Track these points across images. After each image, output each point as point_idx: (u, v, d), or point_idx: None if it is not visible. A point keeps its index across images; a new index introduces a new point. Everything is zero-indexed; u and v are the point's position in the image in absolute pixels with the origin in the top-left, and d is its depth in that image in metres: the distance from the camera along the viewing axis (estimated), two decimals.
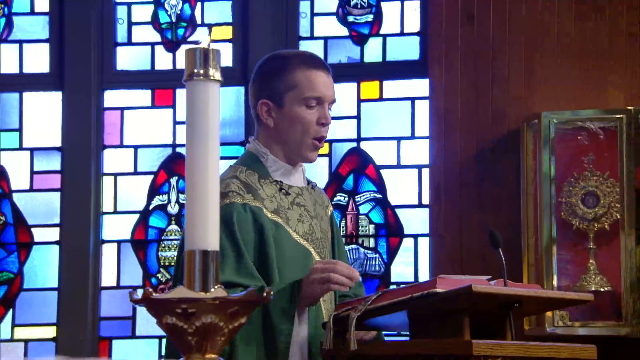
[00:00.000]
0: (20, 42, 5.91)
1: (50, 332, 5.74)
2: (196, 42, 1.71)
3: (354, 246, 5.52)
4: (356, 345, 2.73)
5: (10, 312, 5.77)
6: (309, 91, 3.21)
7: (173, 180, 5.81)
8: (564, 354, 2.87)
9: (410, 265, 5.55)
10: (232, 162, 3.48)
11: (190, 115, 1.80)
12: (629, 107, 5.00)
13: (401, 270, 5.56)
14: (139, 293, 1.80)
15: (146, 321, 5.73)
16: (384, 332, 3.28)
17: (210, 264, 1.77)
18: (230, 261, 3.09)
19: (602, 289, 4.94)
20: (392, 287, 5.31)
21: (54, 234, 5.79)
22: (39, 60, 5.91)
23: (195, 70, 1.79)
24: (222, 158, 5.70)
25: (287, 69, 3.24)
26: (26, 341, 5.76)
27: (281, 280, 3.13)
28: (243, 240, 3.12)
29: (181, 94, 5.83)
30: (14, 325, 5.76)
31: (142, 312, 5.72)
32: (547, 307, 3.13)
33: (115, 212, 5.82)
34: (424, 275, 5.42)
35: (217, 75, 1.81)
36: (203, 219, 1.78)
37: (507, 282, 2.85)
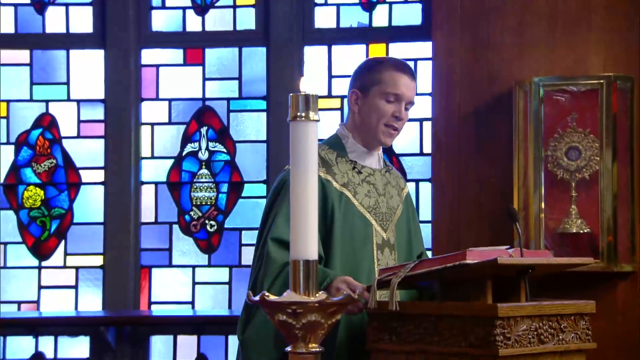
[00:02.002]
0: (67, 5, 5.92)
1: (98, 260, 5.83)
2: (299, 87, 1.83)
3: None
4: (397, 306, 2.86)
5: (62, 243, 5.86)
6: (390, 88, 3.27)
7: (203, 130, 5.84)
8: (569, 310, 3.01)
9: None
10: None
11: (294, 148, 1.95)
12: (609, 73, 4.97)
13: None
14: (256, 296, 1.93)
15: (180, 253, 5.84)
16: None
17: (312, 271, 1.93)
18: None
19: (582, 231, 4.96)
20: None
21: (99, 175, 5.85)
22: (83, 21, 5.91)
23: (299, 113, 1.95)
24: (250, 111, 5.89)
25: (378, 68, 3.32)
26: (77, 268, 5.85)
27: (340, 246, 3.19)
28: None
29: (209, 53, 5.86)
30: (66, 254, 5.86)
31: (177, 245, 5.84)
32: (555, 269, 3.25)
33: (152, 157, 5.87)
34: (426, 216, 5.46)
35: (315, 117, 1.96)
36: (304, 234, 1.94)
37: (523, 252, 2.96)
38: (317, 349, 1.92)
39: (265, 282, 3.11)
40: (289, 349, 1.93)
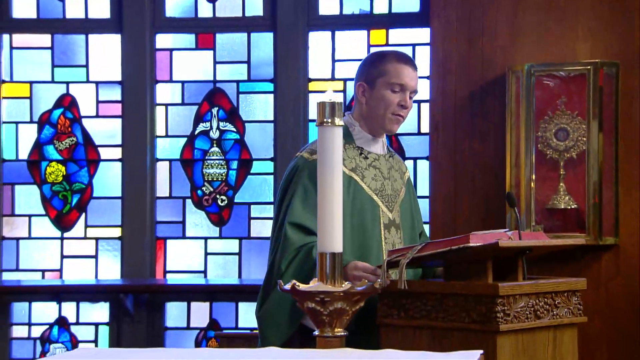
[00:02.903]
0: None
1: (116, 232, 5.85)
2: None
3: None
4: (405, 285, 2.94)
5: (83, 216, 5.89)
6: (394, 78, 3.33)
7: (214, 110, 5.85)
8: (563, 287, 3.09)
9: None
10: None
11: (321, 149, 2.04)
12: (595, 60, 4.99)
13: None
14: (287, 285, 2.01)
15: (193, 225, 5.86)
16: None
17: (337, 263, 2.01)
18: (311, 206, 3.15)
19: (569, 207, 4.99)
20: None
21: (117, 153, 5.86)
22: (101, 7, 5.90)
23: (325, 119, 2.02)
24: (258, 93, 5.88)
25: (382, 61, 3.37)
26: (96, 239, 5.88)
27: (349, 227, 3.21)
28: None
29: (220, 38, 5.87)
30: (86, 226, 5.89)
31: (190, 218, 5.86)
32: (550, 250, 3.33)
33: (166, 135, 5.88)
34: (423, 191, 5.48)
35: (340, 122, 2.03)
36: (331, 228, 2.02)
37: (521, 234, 3.04)
38: (342, 333, 1.99)
39: (282, 263, 3.16)
40: (316, 333, 2.01)
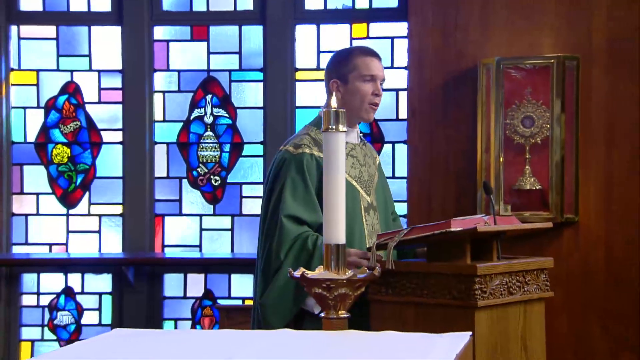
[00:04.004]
0: None
1: (118, 209, 5.87)
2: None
3: None
4: (393, 265, 3.03)
5: (87, 194, 5.90)
6: (365, 71, 3.40)
7: (208, 97, 5.85)
8: (532, 266, 3.19)
9: (389, 165, 5.64)
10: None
11: (327, 152, 2.12)
12: (558, 54, 5.07)
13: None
14: (297, 272, 2.10)
15: (189, 203, 5.88)
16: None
17: (340, 252, 2.11)
18: (300, 197, 3.27)
19: (534, 188, 5.07)
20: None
21: (118, 136, 5.86)
22: (102, 0, 5.88)
23: (330, 126, 2.11)
24: (249, 81, 5.90)
25: (350, 57, 3.43)
26: (99, 215, 5.90)
27: None
28: (310, 180, 3.30)
29: (214, 30, 5.87)
30: (90, 203, 5.91)
31: (186, 196, 5.87)
32: (521, 232, 3.43)
33: (164, 120, 5.88)
34: (401, 172, 5.56)
35: (343, 128, 2.12)
36: (335, 222, 2.11)
37: (496, 219, 3.14)
38: (345, 315, 2.10)
39: (281, 252, 3.21)
40: (322, 314, 2.11)
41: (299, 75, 5.82)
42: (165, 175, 5.92)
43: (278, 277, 3.19)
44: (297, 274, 2.08)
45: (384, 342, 1.79)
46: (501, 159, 5.10)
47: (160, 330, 2.24)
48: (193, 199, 5.93)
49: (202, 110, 5.87)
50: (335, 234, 2.09)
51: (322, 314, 2.10)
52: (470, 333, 1.83)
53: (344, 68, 3.43)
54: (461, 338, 1.76)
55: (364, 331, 1.98)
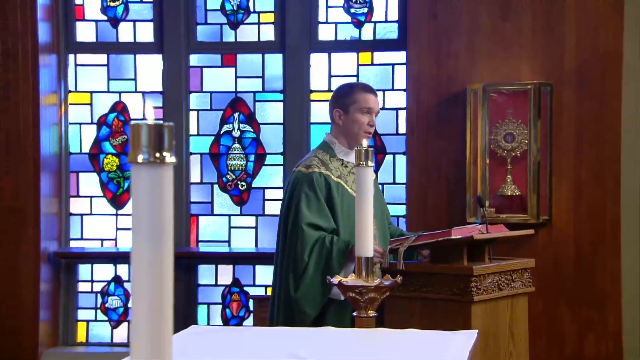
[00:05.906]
0: (134, 21, 5.97)
1: None
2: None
3: None
4: (403, 266, 3.17)
5: None
6: (364, 104, 3.55)
7: (236, 115, 5.89)
8: (518, 266, 3.34)
9: (390, 172, 5.72)
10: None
11: (359, 183, 2.26)
12: (535, 81, 5.14)
13: (385, 177, 5.72)
14: (335, 279, 2.23)
15: (220, 205, 5.92)
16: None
17: (370, 264, 2.25)
18: (315, 208, 3.41)
19: (514, 194, 5.14)
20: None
21: None
22: (146, 33, 5.95)
23: (361, 162, 2.25)
24: (270, 101, 5.94)
25: (352, 92, 3.58)
26: None
27: (342, 220, 3.41)
28: (321, 194, 3.44)
29: (240, 58, 5.91)
30: None
31: (217, 199, 5.91)
32: (510, 239, 3.55)
33: (198, 134, 5.92)
34: (401, 179, 5.63)
35: (371, 164, 2.27)
36: (365, 238, 2.26)
37: (488, 228, 3.28)
38: (374, 314, 2.24)
39: (305, 254, 3.34)
40: (355, 313, 2.26)
41: (313, 96, 5.90)
42: (199, 181, 5.97)
43: (306, 275, 3.32)
44: (335, 280, 2.23)
45: (408, 340, 1.92)
46: (487, 169, 5.16)
47: (228, 328, 2.38)
48: (223, 201, 5.99)
49: (231, 125, 5.93)
50: (365, 249, 2.24)
51: (354, 313, 2.24)
52: (477, 331, 1.97)
53: (346, 100, 3.56)
54: (470, 336, 1.91)
55: (389, 329, 2.12)
